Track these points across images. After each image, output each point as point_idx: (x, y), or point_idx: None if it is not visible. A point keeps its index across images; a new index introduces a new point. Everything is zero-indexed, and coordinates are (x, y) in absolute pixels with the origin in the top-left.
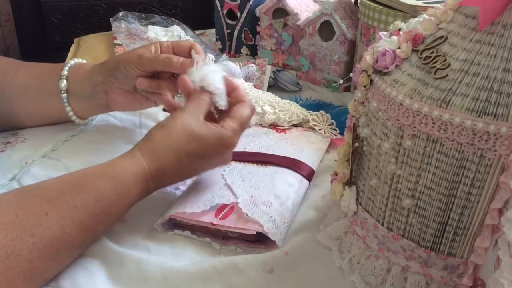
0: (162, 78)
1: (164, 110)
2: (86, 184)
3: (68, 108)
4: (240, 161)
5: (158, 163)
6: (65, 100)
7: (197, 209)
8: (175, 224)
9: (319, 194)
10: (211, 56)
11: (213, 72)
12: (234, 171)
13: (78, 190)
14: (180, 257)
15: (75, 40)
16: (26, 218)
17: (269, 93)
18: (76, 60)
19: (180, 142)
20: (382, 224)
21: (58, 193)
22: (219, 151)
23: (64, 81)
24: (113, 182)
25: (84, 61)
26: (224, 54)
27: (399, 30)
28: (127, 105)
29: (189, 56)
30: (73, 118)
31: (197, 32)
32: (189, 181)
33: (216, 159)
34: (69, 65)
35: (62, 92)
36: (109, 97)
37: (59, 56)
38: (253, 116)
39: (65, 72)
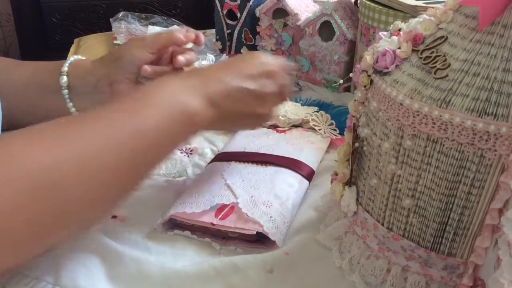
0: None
1: None
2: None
3: (70, 104)
4: (240, 161)
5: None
6: (67, 96)
7: (197, 209)
8: (175, 224)
9: (319, 194)
10: (211, 56)
11: None
12: (234, 171)
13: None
14: (180, 257)
15: (75, 40)
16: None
17: None
18: (75, 56)
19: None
20: (382, 224)
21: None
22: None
23: (65, 77)
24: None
25: (83, 58)
26: (224, 54)
27: (399, 30)
28: None
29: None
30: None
31: None
32: (189, 182)
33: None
34: (69, 61)
35: (63, 88)
36: (114, 89)
37: (59, 56)
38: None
39: (65, 68)
